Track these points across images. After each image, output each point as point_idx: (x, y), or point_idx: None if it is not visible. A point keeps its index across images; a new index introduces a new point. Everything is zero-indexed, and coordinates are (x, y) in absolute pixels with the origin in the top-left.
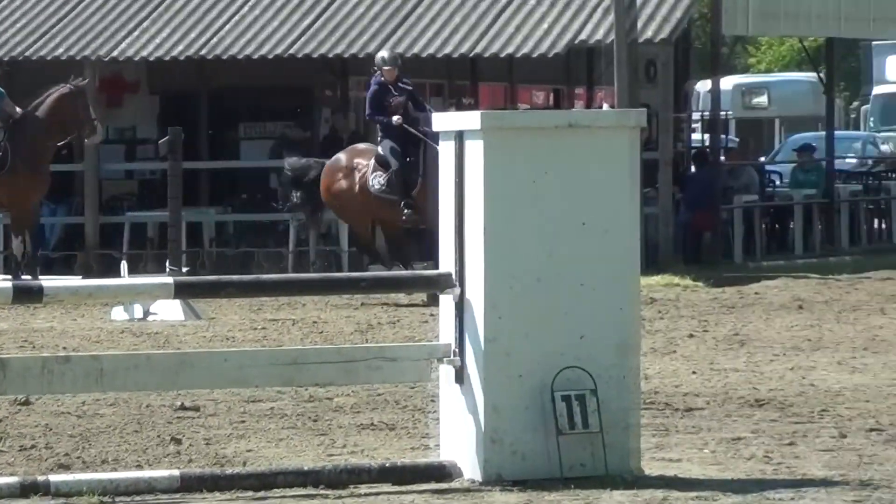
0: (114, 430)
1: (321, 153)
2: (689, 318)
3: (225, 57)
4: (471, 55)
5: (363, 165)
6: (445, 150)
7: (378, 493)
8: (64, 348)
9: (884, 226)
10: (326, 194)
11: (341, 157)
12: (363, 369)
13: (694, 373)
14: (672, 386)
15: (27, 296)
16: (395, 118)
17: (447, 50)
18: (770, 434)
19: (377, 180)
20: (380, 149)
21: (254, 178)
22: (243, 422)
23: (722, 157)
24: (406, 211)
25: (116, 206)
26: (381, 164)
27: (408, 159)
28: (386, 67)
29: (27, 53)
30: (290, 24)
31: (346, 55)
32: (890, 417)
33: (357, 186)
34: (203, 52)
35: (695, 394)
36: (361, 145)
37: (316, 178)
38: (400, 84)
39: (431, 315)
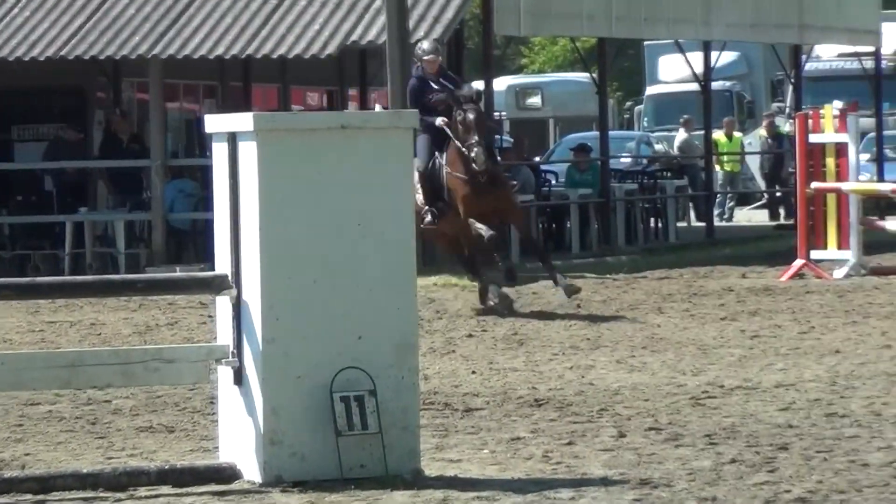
0: None
1: (101, 154)
2: (467, 318)
3: None
4: (243, 56)
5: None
6: (218, 152)
7: (157, 496)
8: None
9: (660, 225)
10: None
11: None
12: (141, 371)
13: (473, 373)
14: (451, 386)
15: None
16: (439, 120)
17: (219, 51)
18: (549, 434)
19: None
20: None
21: (28, 180)
22: (21, 425)
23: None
24: (428, 218)
25: None
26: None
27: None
28: (426, 57)
29: None
30: (60, 25)
31: (117, 57)
32: (669, 416)
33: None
34: None
35: (474, 394)
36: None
37: None
38: (442, 79)
39: (210, 317)
